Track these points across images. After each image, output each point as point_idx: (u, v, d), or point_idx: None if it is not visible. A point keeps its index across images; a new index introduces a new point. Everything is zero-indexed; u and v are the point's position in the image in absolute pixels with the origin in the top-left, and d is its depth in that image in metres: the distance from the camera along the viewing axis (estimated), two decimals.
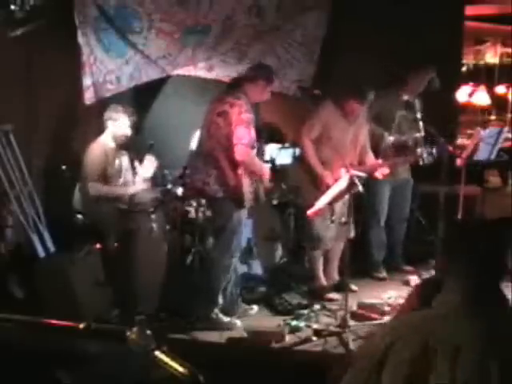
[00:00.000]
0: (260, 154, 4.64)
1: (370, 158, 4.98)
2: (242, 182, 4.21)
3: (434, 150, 5.02)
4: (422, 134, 5.21)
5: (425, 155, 5.03)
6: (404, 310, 2.65)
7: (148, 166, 4.83)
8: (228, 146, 4.17)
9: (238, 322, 4.38)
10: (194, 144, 5.56)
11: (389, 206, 5.33)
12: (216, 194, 4.25)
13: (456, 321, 1.77)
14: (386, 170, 4.91)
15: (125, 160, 4.84)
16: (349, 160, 4.76)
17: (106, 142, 4.71)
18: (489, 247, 1.86)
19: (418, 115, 5.20)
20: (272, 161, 5.30)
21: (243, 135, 4.12)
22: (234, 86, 4.32)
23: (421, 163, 5.07)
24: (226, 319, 4.37)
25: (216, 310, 4.35)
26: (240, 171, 4.20)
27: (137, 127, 4.91)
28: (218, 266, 4.34)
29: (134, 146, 4.98)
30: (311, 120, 4.81)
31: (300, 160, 4.98)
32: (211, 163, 4.25)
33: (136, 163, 4.92)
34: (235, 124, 4.12)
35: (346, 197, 4.36)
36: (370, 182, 4.90)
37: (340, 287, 4.80)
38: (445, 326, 1.77)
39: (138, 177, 4.83)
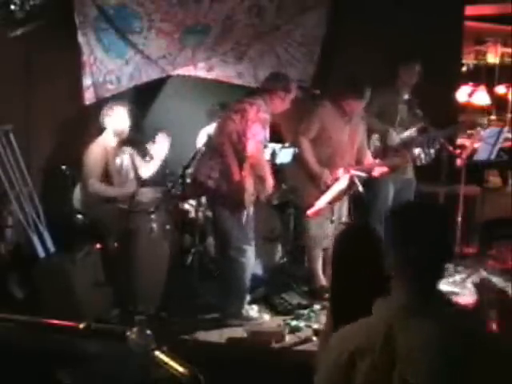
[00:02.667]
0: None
1: (368, 158, 4.98)
2: (245, 181, 4.23)
3: (432, 151, 5.02)
4: (421, 126, 5.22)
5: (422, 155, 5.03)
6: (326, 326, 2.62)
7: (161, 145, 4.86)
8: (238, 142, 4.20)
9: (267, 316, 4.46)
10: (197, 143, 5.59)
11: (392, 204, 5.32)
12: (219, 188, 4.27)
13: (404, 323, 1.69)
14: (384, 169, 4.89)
15: (126, 159, 4.84)
16: (347, 159, 4.76)
17: (106, 141, 4.71)
18: (426, 242, 1.72)
19: (418, 112, 5.20)
20: (272, 160, 5.30)
21: (258, 132, 4.19)
22: (254, 92, 4.40)
23: (418, 163, 5.07)
24: (255, 314, 4.45)
25: (246, 306, 4.43)
26: (244, 171, 4.22)
27: (137, 124, 4.90)
28: (230, 262, 4.37)
29: (135, 147, 4.98)
30: (309, 120, 4.81)
31: (297, 160, 4.98)
32: (218, 158, 4.27)
33: (139, 161, 4.93)
34: (252, 121, 4.18)
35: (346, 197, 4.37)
36: (372, 181, 4.90)
37: None
38: (392, 331, 1.69)
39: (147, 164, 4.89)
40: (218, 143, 4.29)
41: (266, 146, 4.40)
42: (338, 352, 1.77)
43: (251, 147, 4.19)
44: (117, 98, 5.33)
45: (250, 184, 4.26)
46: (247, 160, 4.22)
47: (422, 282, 1.73)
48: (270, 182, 4.35)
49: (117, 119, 4.70)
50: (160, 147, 4.91)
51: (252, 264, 4.48)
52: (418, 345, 1.66)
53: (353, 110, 4.75)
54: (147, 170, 4.95)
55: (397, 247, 1.75)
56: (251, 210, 4.38)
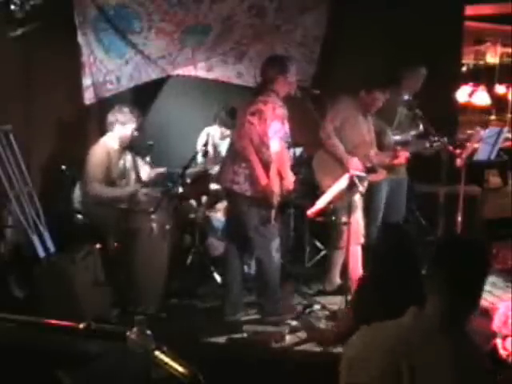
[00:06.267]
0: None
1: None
2: (272, 184, 4.23)
3: (435, 139, 5.04)
4: (421, 129, 5.24)
5: (427, 145, 5.07)
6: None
7: (144, 171, 4.87)
8: (261, 144, 4.19)
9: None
10: (197, 143, 5.58)
11: (386, 205, 5.32)
12: (246, 192, 4.27)
13: (431, 338, 1.82)
14: (406, 153, 5.01)
15: (128, 161, 4.83)
16: (368, 153, 4.84)
17: (109, 143, 4.71)
18: (466, 271, 1.89)
19: (418, 113, 5.21)
20: None
21: (279, 129, 4.21)
22: (261, 89, 4.35)
23: (428, 147, 5.08)
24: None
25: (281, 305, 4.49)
26: (271, 171, 4.23)
27: (140, 127, 4.90)
28: (263, 263, 4.41)
29: (135, 147, 4.97)
30: (332, 111, 4.83)
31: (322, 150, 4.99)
32: (241, 162, 4.26)
33: (140, 162, 4.94)
34: (271, 119, 4.17)
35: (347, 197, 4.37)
36: (368, 184, 4.91)
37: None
38: (419, 342, 1.82)
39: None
40: (241, 147, 4.25)
41: (288, 142, 4.40)
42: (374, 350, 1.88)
43: (275, 145, 4.20)
44: (117, 98, 5.33)
45: (276, 185, 4.27)
46: (272, 160, 4.22)
47: (457, 301, 1.87)
48: (289, 178, 4.37)
49: (126, 129, 4.71)
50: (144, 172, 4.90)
51: (278, 258, 4.49)
52: (434, 359, 1.79)
53: (377, 106, 4.85)
54: (145, 173, 4.95)
55: (438, 270, 1.92)
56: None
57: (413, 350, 1.81)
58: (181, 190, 5.04)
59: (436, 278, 1.90)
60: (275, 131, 4.20)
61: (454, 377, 1.77)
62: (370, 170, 4.79)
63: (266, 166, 4.22)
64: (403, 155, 5.01)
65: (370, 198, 5.09)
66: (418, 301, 1.89)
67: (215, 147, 5.65)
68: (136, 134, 4.76)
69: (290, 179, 4.41)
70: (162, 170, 5.02)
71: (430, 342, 1.82)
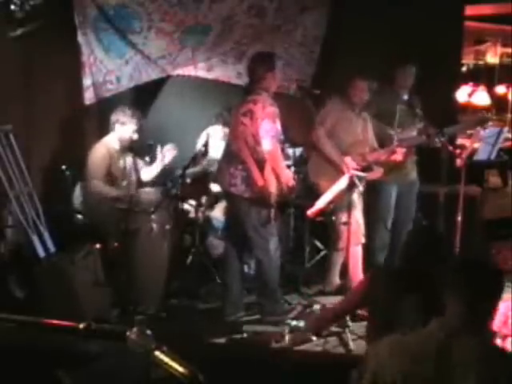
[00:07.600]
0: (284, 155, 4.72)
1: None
2: (268, 184, 4.24)
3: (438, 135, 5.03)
4: (421, 127, 5.24)
5: (424, 138, 5.06)
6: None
7: (167, 154, 4.87)
8: (255, 144, 4.20)
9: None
10: (197, 144, 5.58)
11: (395, 208, 5.30)
12: (243, 194, 4.27)
13: (462, 342, 1.95)
14: (403, 150, 4.96)
15: (129, 161, 4.83)
16: (363, 152, 4.83)
17: (110, 142, 4.72)
18: (485, 283, 2.08)
19: (418, 111, 5.20)
20: None
21: (270, 128, 4.21)
22: (251, 87, 4.35)
23: (431, 145, 5.06)
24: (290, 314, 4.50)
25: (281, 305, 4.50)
26: (265, 171, 4.23)
27: (140, 127, 4.89)
28: (262, 263, 4.41)
29: (135, 148, 4.97)
30: (323, 111, 4.83)
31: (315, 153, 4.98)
32: (237, 164, 4.27)
33: (140, 164, 4.94)
34: (261, 118, 4.18)
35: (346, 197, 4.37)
36: (376, 184, 4.91)
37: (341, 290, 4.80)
38: (455, 347, 1.94)
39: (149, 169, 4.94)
40: (237, 149, 4.26)
41: (280, 140, 4.41)
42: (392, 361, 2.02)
43: (267, 145, 4.20)
44: (117, 98, 5.33)
45: (272, 185, 4.27)
46: (266, 160, 4.23)
47: (477, 305, 2.03)
48: (286, 174, 4.37)
49: (126, 129, 4.72)
50: (165, 156, 4.87)
51: (278, 258, 4.49)
52: (468, 361, 1.91)
53: (361, 95, 4.81)
54: (148, 173, 4.95)
55: (463, 287, 2.08)
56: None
57: (439, 352, 1.93)
58: (181, 190, 5.04)
59: (453, 285, 2.08)
60: (266, 130, 4.20)
61: (484, 371, 1.89)
62: (366, 169, 4.77)
63: (261, 166, 4.22)
64: (400, 151, 4.97)
65: (375, 197, 5.08)
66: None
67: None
68: (135, 136, 4.76)
69: (288, 175, 4.40)
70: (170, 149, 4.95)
71: (455, 342, 1.94)
